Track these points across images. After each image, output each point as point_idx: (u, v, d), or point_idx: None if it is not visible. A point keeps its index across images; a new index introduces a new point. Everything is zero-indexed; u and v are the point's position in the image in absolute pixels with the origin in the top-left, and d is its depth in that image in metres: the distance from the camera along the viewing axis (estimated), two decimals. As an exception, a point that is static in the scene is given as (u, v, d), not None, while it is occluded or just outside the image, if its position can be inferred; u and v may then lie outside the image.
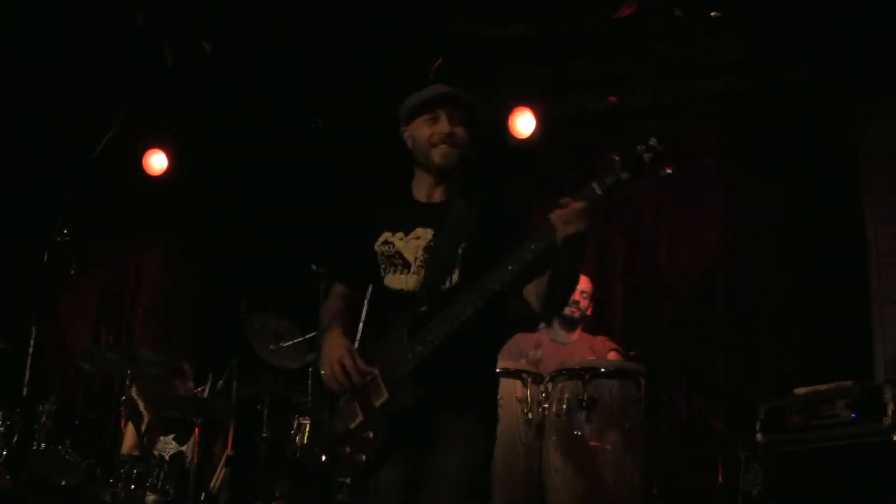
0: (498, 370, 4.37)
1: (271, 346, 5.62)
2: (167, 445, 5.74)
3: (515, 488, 4.45)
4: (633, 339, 5.77)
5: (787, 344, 5.68)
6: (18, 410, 4.79)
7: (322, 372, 3.05)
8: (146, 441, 5.65)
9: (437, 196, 3.15)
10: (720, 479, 5.16)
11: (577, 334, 5.39)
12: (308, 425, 5.06)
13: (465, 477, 2.91)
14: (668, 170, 2.71)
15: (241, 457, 5.36)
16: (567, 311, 5.22)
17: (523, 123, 6.50)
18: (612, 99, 6.36)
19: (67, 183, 4.83)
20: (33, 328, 4.49)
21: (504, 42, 5.97)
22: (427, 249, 3.04)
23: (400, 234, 3.09)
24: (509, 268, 2.81)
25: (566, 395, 4.45)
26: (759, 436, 4.63)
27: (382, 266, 3.09)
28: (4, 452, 4.87)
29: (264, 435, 5.39)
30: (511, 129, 6.52)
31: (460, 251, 3.01)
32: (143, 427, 5.76)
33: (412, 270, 3.04)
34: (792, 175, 5.88)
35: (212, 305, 7.25)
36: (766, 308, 5.87)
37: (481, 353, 3.09)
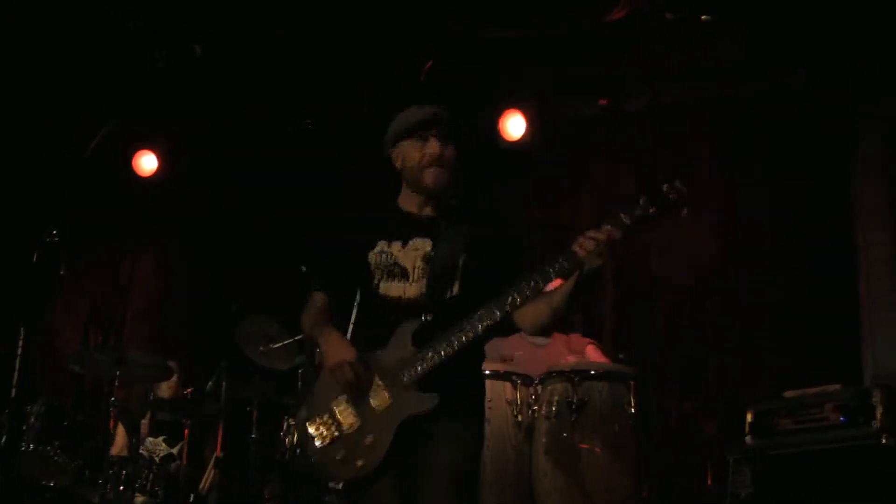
0: (487, 373, 4.41)
1: (261, 348, 5.62)
2: (157, 447, 5.73)
3: (505, 491, 4.44)
4: (625, 344, 5.77)
5: (779, 348, 5.69)
6: (7, 411, 4.76)
7: (327, 370, 3.04)
8: (136, 442, 5.64)
9: (428, 211, 3.18)
10: (709, 482, 5.17)
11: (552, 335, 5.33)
12: (296, 427, 5.04)
13: (455, 473, 2.94)
14: (685, 213, 2.82)
15: (231, 458, 5.36)
16: None
17: (514, 126, 6.50)
18: (603, 102, 6.37)
19: (58, 184, 4.81)
20: (22, 329, 4.46)
21: (499, 44, 5.97)
22: (426, 259, 3.07)
23: (397, 244, 3.11)
24: (531, 286, 2.86)
25: (556, 398, 4.44)
26: (748, 439, 4.65)
27: (377, 274, 3.10)
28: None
29: (254, 436, 5.39)
30: (501, 132, 6.53)
31: (461, 263, 3.06)
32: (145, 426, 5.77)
33: (411, 280, 3.06)
34: (786, 180, 5.90)
35: (202, 308, 7.24)
36: (757, 313, 5.88)
37: (474, 359, 3.15)
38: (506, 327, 3.06)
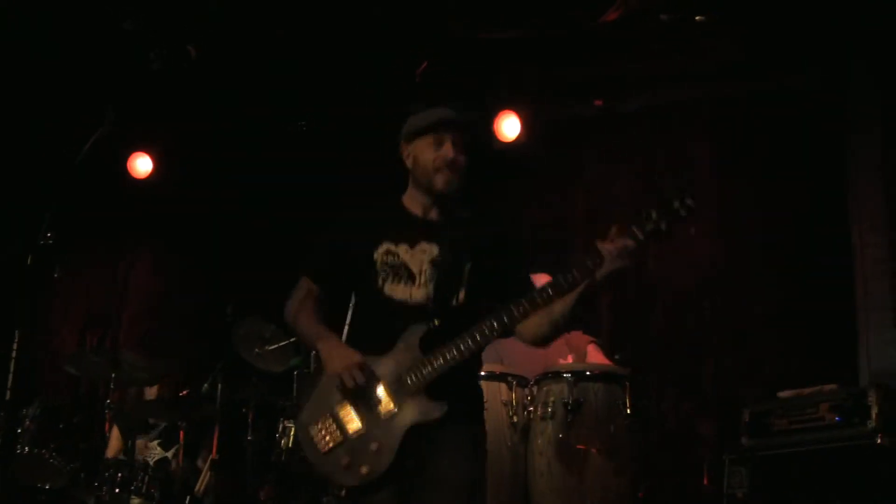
0: (483, 374, 4.40)
1: (256, 350, 5.61)
2: (152, 451, 5.72)
3: (500, 492, 4.43)
4: (622, 344, 5.76)
5: (776, 349, 5.70)
6: (2, 414, 4.75)
7: (331, 373, 2.98)
8: (131, 445, 5.63)
9: (434, 214, 3.17)
10: (706, 482, 5.16)
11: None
12: (293, 428, 5.03)
13: (463, 485, 2.92)
14: (693, 230, 2.89)
15: (227, 460, 5.34)
16: None
17: (508, 127, 6.49)
18: (598, 102, 6.37)
19: (53, 186, 4.81)
20: (17, 331, 4.45)
21: (495, 45, 5.98)
22: (433, 263, 3.05)
23: (404, 246, 3.08)
24: (545, 294, 2.88)
25: (551, 399, 4.44)
26: (743, 439, 4.65)
27: (382, 275, 3.07)
28: (-12, 456, 4.84)
29: (250, 438, 5.38)
30: (496, 133, 6.52)
31: (466, 270, 3.06)
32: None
33: (418, 283, 3.04)
34: (783, 180, 5.91)
35: (198, 310, 7.24)
36: (754, 313, 5.88)
37: (475, 366, 3.16)
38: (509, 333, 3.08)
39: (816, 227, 5.72)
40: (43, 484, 5.07)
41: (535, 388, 4.57)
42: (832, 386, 4.49)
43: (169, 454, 5.63)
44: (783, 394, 4.63)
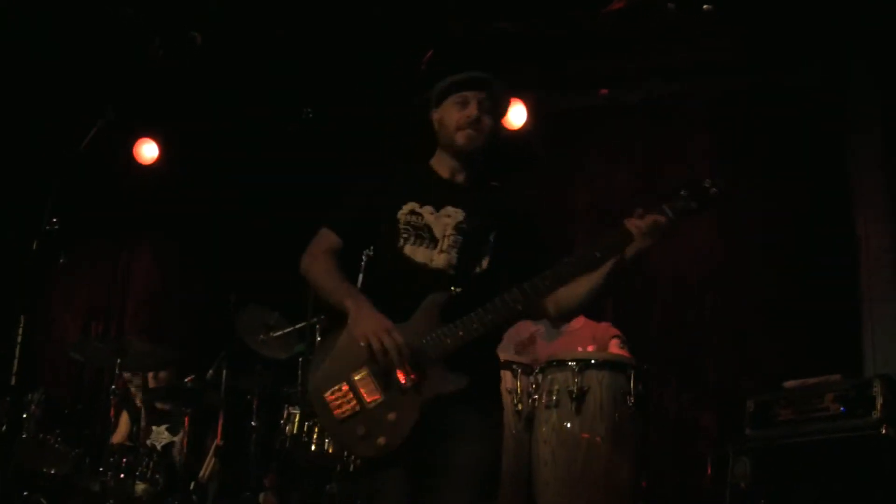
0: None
1: (261, 337, 5.62)
2: (160, 435, 5.75)
3: (504, 480, 4.37)
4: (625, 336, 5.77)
5: (779, 341, 5.70)
6: (7, 399, 4.76)
7: (359, 336, 2.85)
8: (137, 430, 5.66)
9: (461, 178, 3.14)
10: (709, 473, 5.17)
11: (579, 321, 5.16)
12: (297, 415, 5.04)
13: (478, 471, 2.89)
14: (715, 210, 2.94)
15: (231, 447, 5.36)
16: None
17: (515, 115, 6.48)
18: (603, 91, 6.36)
19: (57, 173, 4.81)
20: (22, 317, 4.45)
21: (496, 40, 5.97)
22: (457, 229, 3.00)
23: (429, 208, 3.04)
24: (571, 267, 2.87)
25: (556, 387, 4.42)
26: (747, 429, 4.65)
27: (404, 235, 3.00)
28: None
29: (254, 425, 5.39)
30: (502, 122, 6.49)
31: (491, 238, 3.02)
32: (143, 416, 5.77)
33: (440, 248, 2.98)
34: (785, 173, 5.91)
35: (202, 296, 7.25)
36: (757, 306, 5.89)
37: (494, 344, 3.10)
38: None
39: (817, 220, 5.73)
40: (48, 469, 5.07)
41: (539, 377, 4.56)
42: (837, 377, 4.49)
43: (176, 438, 5.65)
44: (788, 384, 4.63)
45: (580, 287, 2.96)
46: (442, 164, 3.16)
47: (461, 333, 2.84)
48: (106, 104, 4.57)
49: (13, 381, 4.43)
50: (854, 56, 5.83)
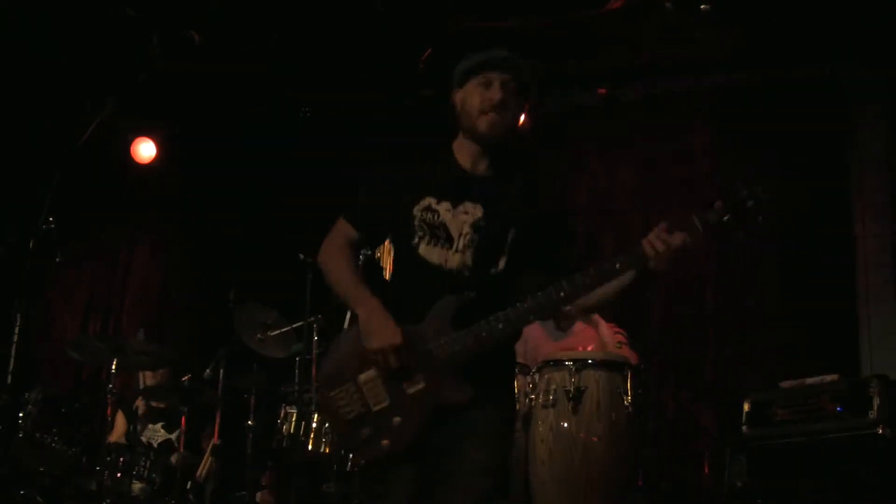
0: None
1: (259, 336, 5.62)
2: (156, 433, 5.75)
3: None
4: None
5: (777, 339, 5.70)
6: (4, 398, 4.76)
7: (371, 346, 2.79)
8: (134, 430, 5.66)
9: (482, 168, 2.97)
10: (706, 471, 5.17)
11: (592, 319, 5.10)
12: (294, 414, 5.04)
13: (490, 471, 2.81)
14: (761, 218, 2.67)
15: (228, 446, 5.36)
16: None
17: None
18: (602, 91, 6.36)
19: (55, 171, 4.80)
20: (19, 316, 4.45)
21: (497, 37, 5.96)
22: (475, 227, 2.87)
23: (446, 205, 2.89)
24: (586, 282, 2.74)
25: (553, 387, 4.42)
26: (745, 428, 4.65)
27: (419, 233, 2.88)
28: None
29: (251, 424, 5.39)
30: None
31: (510, 237, 2.88)
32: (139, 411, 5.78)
33: (455, 248, 2.86)
34: (784, 174, 5.90)
35: (200, 295, 7.24)
36: (755, 304, 5.89)
37: (511, 345, 3.01)
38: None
39: (818, 218, 5.73)
40: (45, 468, 5.07)
41: (536, 376, 4.55)
42: (834, 376, 4.49)
43: (172, 436, 5.66)
44: (785, 384, 4.63)
45: (596, 296, 2.85)
46: (463, 151, 2.98)
47: (470, 343, 2.76)
48: (106, 97, 4.56)
49: (10, 380, 4.42)
50: (855, 54, 5.82)
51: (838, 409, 4.29)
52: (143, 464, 5.13)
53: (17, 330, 4.42)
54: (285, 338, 5.62)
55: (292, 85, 6.63)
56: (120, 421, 5.88)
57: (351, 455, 4.01)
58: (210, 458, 5.38)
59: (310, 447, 4.97)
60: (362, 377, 2.83)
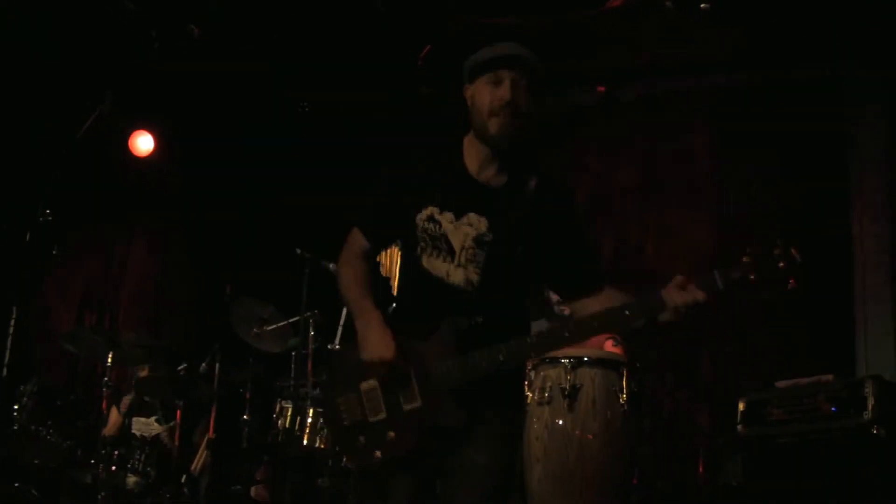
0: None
1: (255, 330, 5.62)
2: (149, 426, 5.75)
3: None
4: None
5: (773, 339, 5.70)
6: (-1, 390, 4.76)
7: (364, 358, 2.77)
8: (129, 423, 5.66)
9: (491, 173, 2.83)
10: (701, 471, 5.17)
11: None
12: (290, 409, 5.04)
13: (495, 473, 2.76)
14: (793, 283, 2.45)
15: (223, 440, 5.36)
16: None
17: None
18: (601, 89, 6.35)
19: (52, 164, 4.80)
20: (14, 308, 4.45)
21: (497, 35, 5.95)
22: (478, 241, 2.76)
23: (449, 216, 2.78)
24: (593, 325, 2.68)
25: (549, 384, 4.41)
26: (740, 428, 4.65)
27: (421, 243, 2.80)
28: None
29: (246, 418, 5.39)
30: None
31: (518, 254, 2.77)
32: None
33: (457, 262, 2.76)
34: (783, 173, 5.90)
35: (196, 290, 7.24)
36: (753, 303, 5.87)
37: (519, 371, 2.95)
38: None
39: (815, 217, 5.73)
40: (40, 461, 5.07)
41: (532, 374, 4.54)
42: (829, 376, 4.49)
43: (163, 430, 5.66)
44: (780, 383, 4.63)
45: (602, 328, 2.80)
46: (472, 154, 2.84)
47: (469, 369, 2.68)
48: (105, 90, 4.56)
49: (5, 373, 4.42)
50: (855, 54, 5.82)
51: (833, 409, 4.29)
52: (137, 457, 5.13)
53: (12, 322, 4.42)
54: (281, 332, 5.62)
55: (292, 84, 6.62)
56: (114, 414, 5.88)
57: (346, 457, 3.99)
58: (205, 452, 5.38)
59: (305, 442, 4.98)
60: (364, 385, 2.81)
